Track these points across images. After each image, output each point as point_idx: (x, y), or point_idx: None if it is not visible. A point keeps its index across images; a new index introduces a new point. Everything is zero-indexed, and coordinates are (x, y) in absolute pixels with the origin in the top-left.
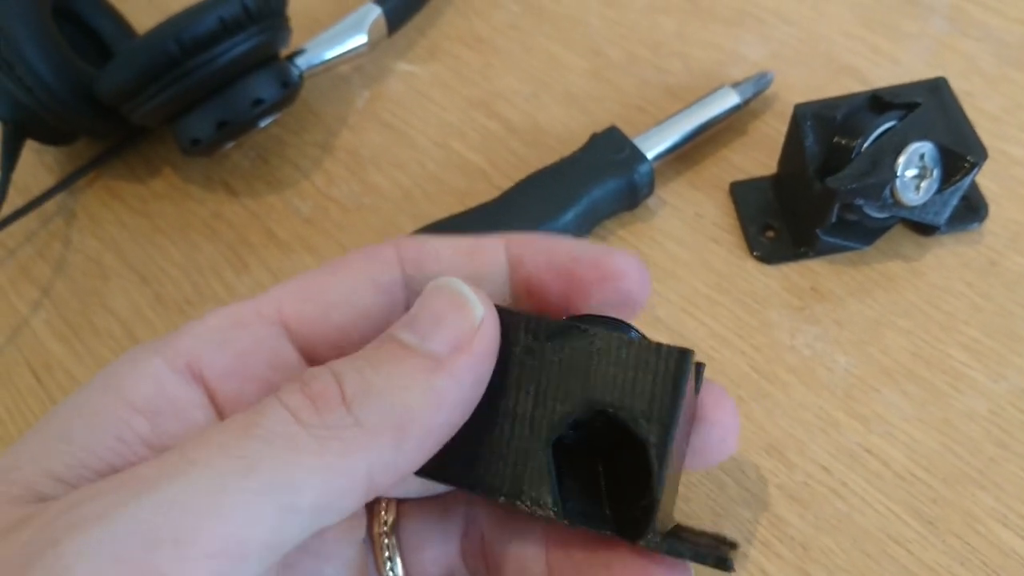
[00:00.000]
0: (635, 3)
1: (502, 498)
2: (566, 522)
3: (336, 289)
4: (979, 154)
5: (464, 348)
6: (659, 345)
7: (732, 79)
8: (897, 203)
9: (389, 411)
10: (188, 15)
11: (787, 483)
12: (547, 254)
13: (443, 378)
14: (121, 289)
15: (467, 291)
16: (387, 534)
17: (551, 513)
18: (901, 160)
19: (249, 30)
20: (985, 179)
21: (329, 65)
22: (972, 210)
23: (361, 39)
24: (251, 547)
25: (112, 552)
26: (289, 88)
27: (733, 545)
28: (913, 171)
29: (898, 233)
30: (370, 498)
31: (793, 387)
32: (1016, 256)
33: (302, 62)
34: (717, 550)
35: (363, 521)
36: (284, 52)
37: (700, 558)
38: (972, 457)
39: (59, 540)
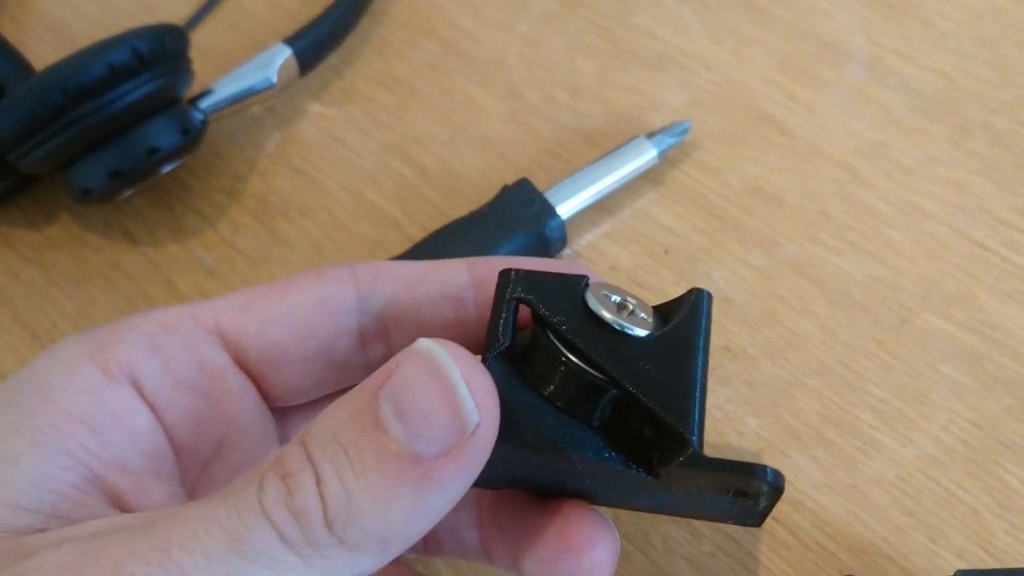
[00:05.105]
0: (555, 43)
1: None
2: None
3: (279, 307)
4: None
5: (454, 456)
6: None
7: (651, 125)
8: None
9: (373, 530)
10: (75, 61)
11: (695, 554)
12: None
13: (431, 492)
14: (9, 347)
15: (459, 386)
16: None
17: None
18: None
19: (142, 76)
20: (898, 233)
21: (237, 107)
22: None
23: (269, 81)
24: None
25: None
26: (190, 135)
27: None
28: None
29: None
30: None
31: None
32: (927, 314)
33: (207, 105)
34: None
35: None
36: (189, 93)
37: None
38: (879, 526)
39: None
